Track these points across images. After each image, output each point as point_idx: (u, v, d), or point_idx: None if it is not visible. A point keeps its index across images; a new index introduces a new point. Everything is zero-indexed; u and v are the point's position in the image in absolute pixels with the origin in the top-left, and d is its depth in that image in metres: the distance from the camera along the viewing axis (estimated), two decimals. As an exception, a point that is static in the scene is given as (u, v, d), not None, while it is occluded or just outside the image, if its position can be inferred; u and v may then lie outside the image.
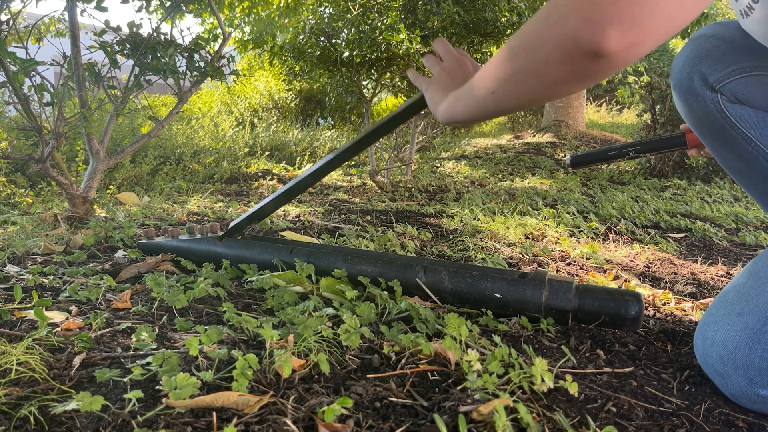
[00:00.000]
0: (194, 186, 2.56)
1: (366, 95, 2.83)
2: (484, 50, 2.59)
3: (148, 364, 0.60)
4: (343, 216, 1.86)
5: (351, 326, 0.69)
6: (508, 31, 2.37)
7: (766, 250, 0.76)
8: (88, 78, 1.43)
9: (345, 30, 2.45)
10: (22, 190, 2.10)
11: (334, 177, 3.14)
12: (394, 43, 2.15)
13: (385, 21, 2.28)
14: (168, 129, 3.38)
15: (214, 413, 0.52)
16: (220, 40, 1.66)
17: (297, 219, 1.77)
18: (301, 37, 2.51)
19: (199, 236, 1.10)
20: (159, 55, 1.45)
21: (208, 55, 1.61)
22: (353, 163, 3.97)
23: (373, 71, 2.67)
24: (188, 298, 0.85)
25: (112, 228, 1.35)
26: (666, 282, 1.19)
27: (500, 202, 2.23)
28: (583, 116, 6.21)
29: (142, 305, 0.83)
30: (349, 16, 2.44)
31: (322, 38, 2.46)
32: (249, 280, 0.96)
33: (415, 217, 1.91)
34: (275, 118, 5.63)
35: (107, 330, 0.72)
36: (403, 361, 0.66)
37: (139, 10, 1.60)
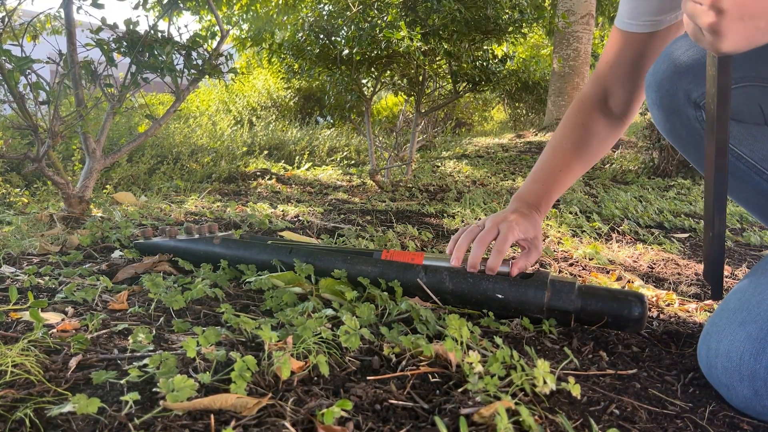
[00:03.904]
0: (192, 185, 2.55)
1: (366, 93, 2.82)
2: (485, 48, 2.58)
3: (145, 365, 0.59)
4: (342, 216, 1.85)
5: (351, 327, 0.69)
6: (510, 29, 2.36)
7: (767, 255, 0.75)
8: (84, 76, 1.42)
9: (344, 27, 2.44)
10: (18, 190, 2.09)
11: (334, 176, 3.13)
12: (395, 41, 2.14)
13: (385, 18, 2.26)
14: (165, 128, 3.37)
15: (212, 415, 0.51)
16: (218, 38, 1.65)
17: (296, 219, 1.76)
18: (300, 34, 2.50)
19: (197, 236, 1.09)
20: (156, 52, 1.43)
21: (206, 52, 1.60)
22: (353, 162, 3.97)
23: (373, 69, 2.66)
24: (186, 299, 0.84)
25: (108, 228, 1.34)
26: (670, 283, 1.18)
27: (502, 202, 2.22)
28: (584, 115, 6.20)
29: (139, 306, 0.82)
30: (348, 13, 2.43)
31: (322, 36, 2.45)
32: (247, 280, 0.95)
33: (415, 217, 1.90)
34: (274, 116, 5.62)
35: (104, 331, 0.71)
36: (404, 362, 0.65)
37: (136, 7, 1.59)
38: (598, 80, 0.97)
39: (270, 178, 2.90)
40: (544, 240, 1.55)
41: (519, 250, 1.15)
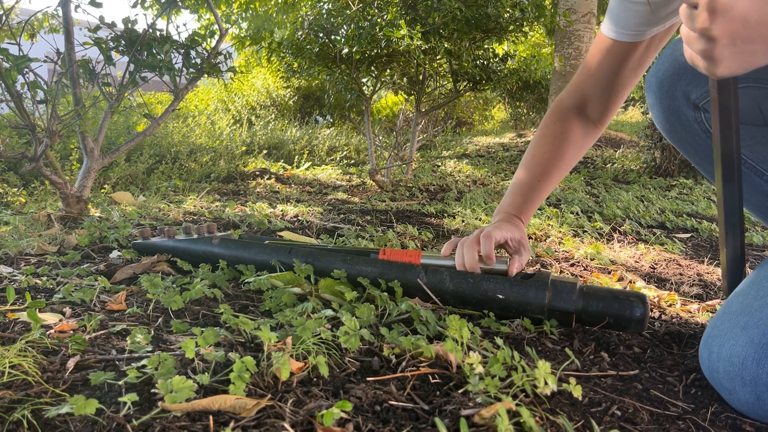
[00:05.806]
0: (190, 185, 2.54)
1: (366, 92, 2.82)
2: (486, 47, 2.58)
3: (144, 366, 0.59)
4: (342, 216, 1.85)
5: (350, 328, 0.68)
6: (511, 27, 2.35)
7: None
8: (82, 75, 1.41)
9: (344, 26, 2.43)
10: (15, 190, 2.09)
11: (334, 176, 3.13)
12: (395, 40, 2.14)
13: (385, 17, 2.26)
14: (164, 127, 3.37)
15: (211, 417, 0.51)
16: (217, 37, 1.64)
17: (295, 219, 1.76)
18: (299, 33, 2.50)
19: (195, 236, 1.09)
20: (155, 51, 1.43)
21: (204, 51, 1.60)
22: (353, 161, 3.96)
23: (372, 68, 2.66)
24: (184, 300, 0.84)
25: (106, 228, 1.33)
26: (672, 283, 1.18)
27: (500, 201, 2.21)
28: (585, 114, 6.20)
29: (138, 307, 0.82)
30: (348, 11, 2.42)
31: (321, 34, 2.44)
32: (246, 281, 0.94)
33: (415, 216, 1.90)
34: (273, 115, 5.62)
35: (102, 332, 0.71)
36: (404, 363, 0.65)
37: (134, 5, 1.58)
38: (577, 88, 0.97)
39: (269, 178, 2.89)
40: (545, 240, 1.54)
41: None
